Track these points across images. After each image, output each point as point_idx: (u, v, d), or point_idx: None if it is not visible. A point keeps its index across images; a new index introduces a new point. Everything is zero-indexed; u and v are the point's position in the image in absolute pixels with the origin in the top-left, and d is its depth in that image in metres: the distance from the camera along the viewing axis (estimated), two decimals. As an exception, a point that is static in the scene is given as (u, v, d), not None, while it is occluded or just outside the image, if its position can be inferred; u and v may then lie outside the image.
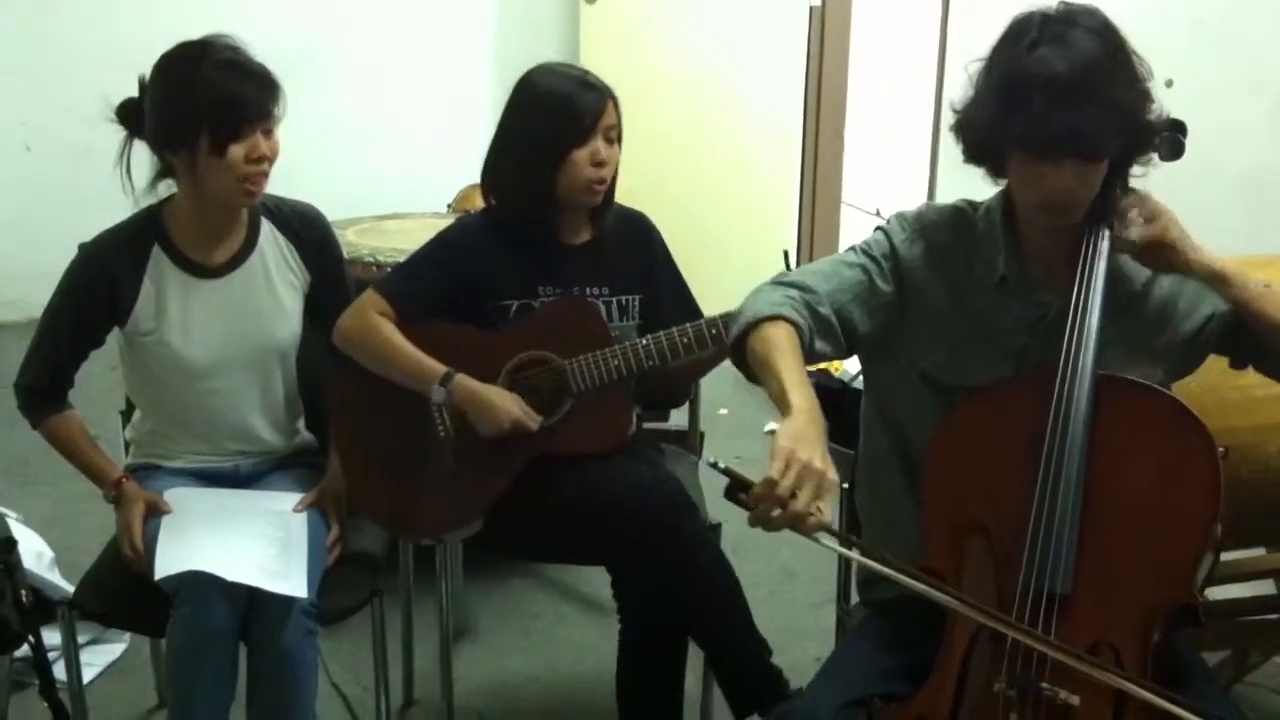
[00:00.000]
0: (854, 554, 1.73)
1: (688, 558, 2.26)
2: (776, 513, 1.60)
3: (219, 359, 2.36)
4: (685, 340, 2.35)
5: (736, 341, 1.88)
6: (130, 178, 2.32)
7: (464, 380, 2.35)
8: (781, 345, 1.80)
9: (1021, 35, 1.76)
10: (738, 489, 1.64)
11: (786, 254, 2.43)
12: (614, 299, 2.49)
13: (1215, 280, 1.83)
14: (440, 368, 2.36)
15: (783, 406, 1.72)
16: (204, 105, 2.18)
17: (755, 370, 1.85)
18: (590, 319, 2.43)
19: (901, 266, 1.94)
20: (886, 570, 1.68)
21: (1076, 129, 1.70)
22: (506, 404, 2.35)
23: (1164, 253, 1.82)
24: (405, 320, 2.40)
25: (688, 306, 2.55)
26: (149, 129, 2.26)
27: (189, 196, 2.31)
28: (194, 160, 2.22)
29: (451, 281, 2.44)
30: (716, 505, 2.75)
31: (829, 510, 1.63)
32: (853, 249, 1.99)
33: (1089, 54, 1.71)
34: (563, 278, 2.45)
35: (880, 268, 1.94)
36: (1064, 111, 1.69)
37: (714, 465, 1.66)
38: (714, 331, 2.35)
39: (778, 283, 1.92)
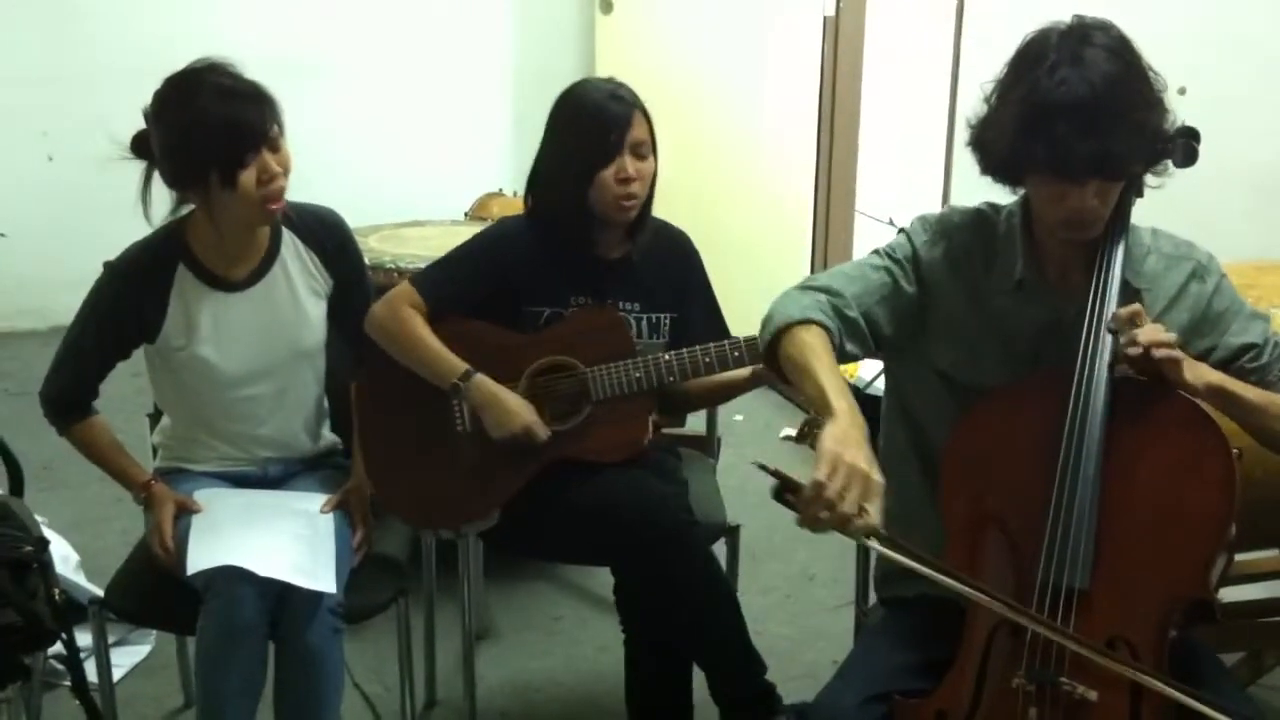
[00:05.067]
0: (901, 556, 1.71)
1: (684, 574, 2.29)
2: (825, 514, 1.62)
3: (251, 369, 2.40)
4: (707, 359, 2.38)
5: (768, 345, 1.90)
6: (146, 206, 2.33)
7: (482, 381, 2.38)
8: (816, 348, 1.83)
9: (1040, 57, 1.76)
10: (785, 490, 1.67)
11: None
12: (645, 316, 2.51)
13: (1222, 401, 1.81)
14: (461, 365, 2.39)
15: (824, 409, 1.74)
16: (206, 143, 2.19)
17: (789, 373, 1.87)
18: (615, 330, 2.45)
19: (923, 268, 1.97)
20: (938, 575, 1.68)
21: (1100, 153, 1.72)
22: (520, 409, 2.38)
23: (1168, 372, 1.78)
24: (435, 315, 2.44)
25: (718, 331, 2.56)
26: (161, 171, 2.28)
27: (209, 220, 2.32)
28: (208, 195, 2.24)
29: (486, 281, 2.47)
30: (739, 508, 2.79)
31: (876, 512, 1.65)
32: (876, 252, 2.01)
33: (1108, 76, 1.72)
34: (596, 290, 2.48)
35: (904, 270, 1.97)
36: (1086, 137, 1.70)
37: (763, 467, 1.69)
38: (736, 354, 2.37)
39: (805, 287, 1.95)
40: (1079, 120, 1.71)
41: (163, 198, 2.34)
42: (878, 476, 1.66)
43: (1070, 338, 1.85)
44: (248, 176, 2.21)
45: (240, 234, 2.36)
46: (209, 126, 2.18)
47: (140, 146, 2.31)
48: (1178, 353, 1.76)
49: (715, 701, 2.33)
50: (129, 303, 2.36)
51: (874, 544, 1.68)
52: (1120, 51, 1.77)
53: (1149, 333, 1.76)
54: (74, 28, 5.60)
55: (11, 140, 5.59)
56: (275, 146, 2.25)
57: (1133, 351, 1.75)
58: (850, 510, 1.62)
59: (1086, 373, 1.81)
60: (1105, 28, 1.79)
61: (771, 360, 1.91)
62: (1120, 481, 1.77)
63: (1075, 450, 1.77)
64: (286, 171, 2.27)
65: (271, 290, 2.41)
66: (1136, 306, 1.80)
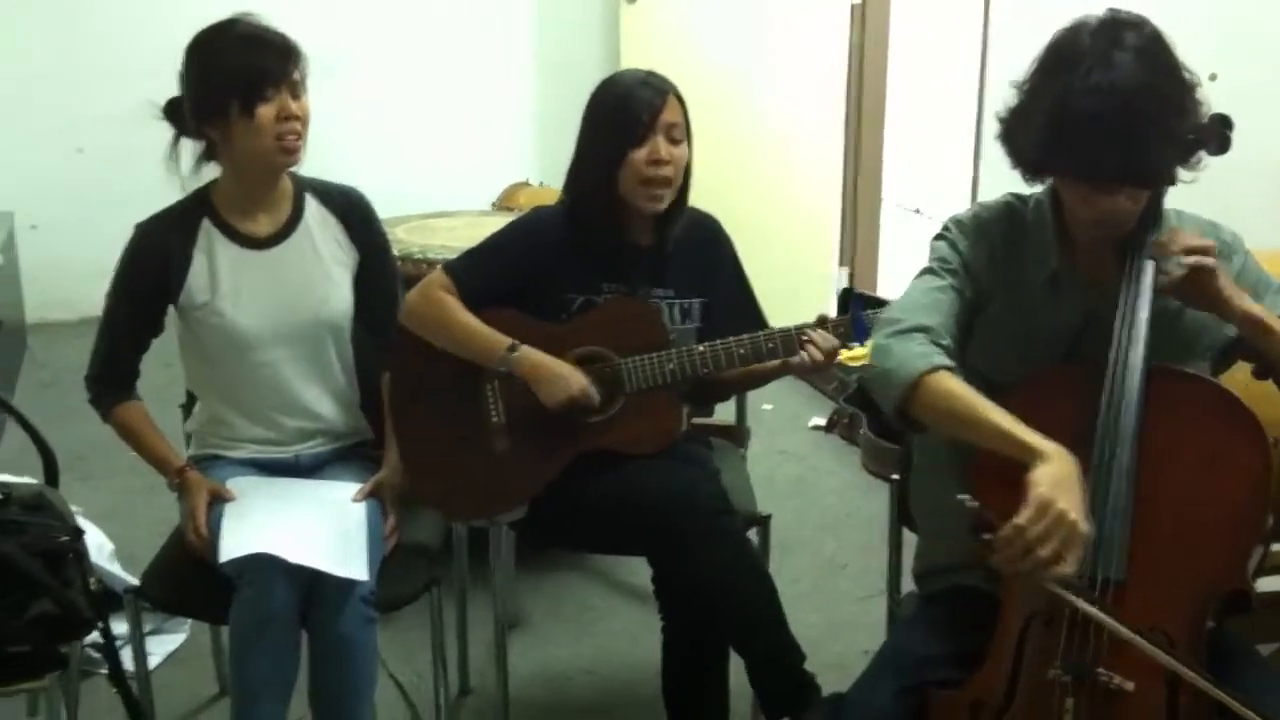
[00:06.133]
0: (1096, 610, 1.65)
1: (723, 562, 2.28)
2: (1022, 561, 1.61)
3: (270, 329, 2.42)
4: (742, 351, 2.37)
5: (900, 403, 1.83)
6: (180, 171, 2.42)
7: (528, 350, 2.38)
8: (968, 394, 1.78)
9: (1071, 57, 1.74)
10: (982, 528, 1.65)
11: (850, 291, 2.42)
12: (677, 302, 2.51)
13: (1255, 330, 1.81)
14: (505, 339, 2.39)
15: (1027, 453, 1.68)
16: (228, 74, 2.28)
17: (941, 426, 1.84)
18: (649, 321, 2.45)
19: (972, 273, 1.96)
20: (1134, 637, 1.63)
21: (1133, 162, 1.71)
22: (571, 374, 2.37)
23: (1205, 287, 1.79)
24: (468, 301, 2.44)
25: (752, 316, 2.56)
26: (186, 108, 2.35)
27: (231, 168, 2.40)
28: (229, 128, 2.31)
29: (519, 268, 2.47)
30: (767, 498, 2.80)
31: (1074, 562, 1.62)
32: (930, 272, 1.97)
33: (1140, 81, 1.69)
34: (628, 277, 2.47)
35: (962, 281, 1.95)
36: (1119, 145, 1.69)
37: (965, 500, 1.67)
38: (770, 345, 2.36)
39: (897, 332, 1.88)
40: (1111, 131, 1.69)
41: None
42: (1084, 527, 1.62)
43: (1105, 328, 1.84)
44: (266, 110, 2.29)
45: (259, 179, 2.41)
46: (234, 59, 2.29)
47: (173, 110, 2.39)
48: (1212, 260, 1.76)
49: (754, 690, 2.32)
50: (156, 258, 2.40)
51: (1068, 595, 1.64)
52: (1153, 52, 1.74)
53: (1184, 238, 1.77)
54: (99, 20, 5.64)
55: (40, 133, 5.63)
56: (296, 93, 2.34)
57: (1175, 271, 1.76)
58: (1047, 558, 1.60)
59: (1120, 362, 1.80)
60: (1138, 25, 1.76)
61: (903, 417, 1.85)
62: (1155, 472, 1.76)
63: (1110, 440, 1.76)
64: (305, 123, 2.35)
65: (296, 252, 2.45)
66: (1174, 228, 1.81)
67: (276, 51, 2.32)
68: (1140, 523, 1.74)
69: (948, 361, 1.83)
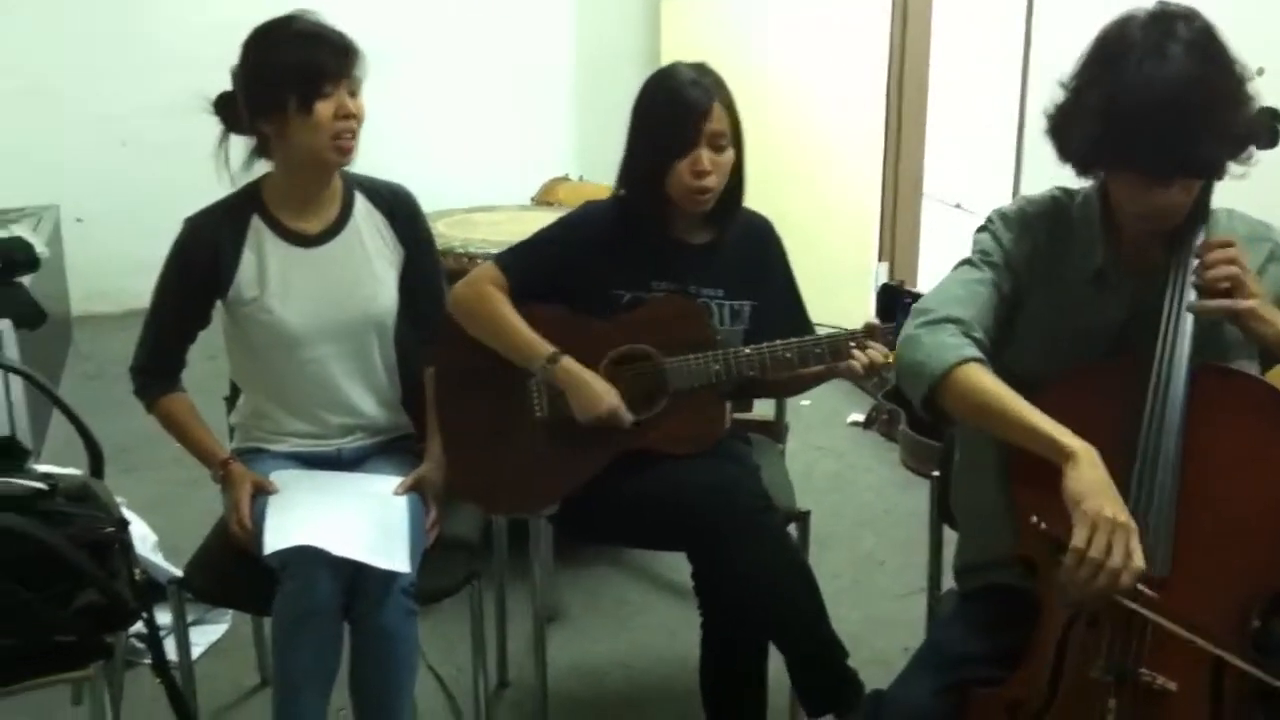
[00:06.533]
0: (1160, 617, 1.66)
1: (762, 557, 2.27)
2: (1098, 581, 1.61)
3: (317, 326, 2.43)
4: (789, 355, 2.36)
5: (927, 395, 1.83)
6: (228, 167, 2.42)
7: (568, 363, 2.39)
8: (997, 388, 1.77)
9: (1121, 51, 1.72)
10: (1059, 549, 1.64)
11: (889, 287, 2.40)
12: (727, 303, 2.49)
13: None
14: (547, 347, 2.39)
15: (1056, 451, 1.70)
16: (287, 68, 2.29)
17: (969, 418, 1.84)
18: (696, 320, 2.44)
19: (1014, 267, 1.94)
20: (1197, 639, 1.64)
21: (1183, 155, 1.69)
22: (606, 393, 2.38)
23: (1240, 318, 1.79)
24: (517, 295, 2.45)
25: (799, 321, 2.54)
26: (242, 104, 2.36)
27: (284, 165, 2.41)
28: (284, 123, 2.32)
29: (568, 263, 2.47)
30: (805, 494, 2.79)
31: (1139, 555, 1.62)
32: (969, 263, 1.96)
33: (1191, 74, 1.68)
34: (678, 275, 2.46)
35: (1001, 275, 1.93)
36: (1170, 138, 1.67)
37: (1035, 522, 1.69)
38: (818, 350, 2.35)
39: (929, 322, 1.88)
40: (1162, 121, 1.67)
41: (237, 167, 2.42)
42: (1131, 521, 1.64)
43: (1148, 329, 1.82)
44: (325, 107, 2.30)
45: (311, 177, 2.42)
46: (294, 54, 2.30)
47: (223, 105, 2.39)
48: (1235, 269, 1.77)
49: (795, 686, 2.32)
50: (205, 252, 2.42)
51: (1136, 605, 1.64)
52: (1205, 44, 1.72)
53: (1218, 253, 1.77)
54: (145, 14, 5.69)
55: (86, 127, 5.69)
56: (354, 91, 2.35)
57: (1206, 276, 1.77)
58: (1119, 564, 1.60)
59: (1166, 359, 1.78)
60: (1189, 17, 1.74)
61: (931, 409, 1.85)
62: (1199, 469, 1.75)
63: (1155, 436, 1.74)
64: (360, 121, 2.35)
65: (344, 250, 2.46)
66: (1228, 238, 1.80)
67: (336, 48, 2.33)
68: (1185, 520, 1.72)
69: (978, 354, 1.82)
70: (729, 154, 2.39)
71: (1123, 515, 1.62)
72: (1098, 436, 1.74)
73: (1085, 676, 1.70)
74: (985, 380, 1.79)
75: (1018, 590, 1.85)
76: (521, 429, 2.45)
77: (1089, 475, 1.66)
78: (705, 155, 2.35)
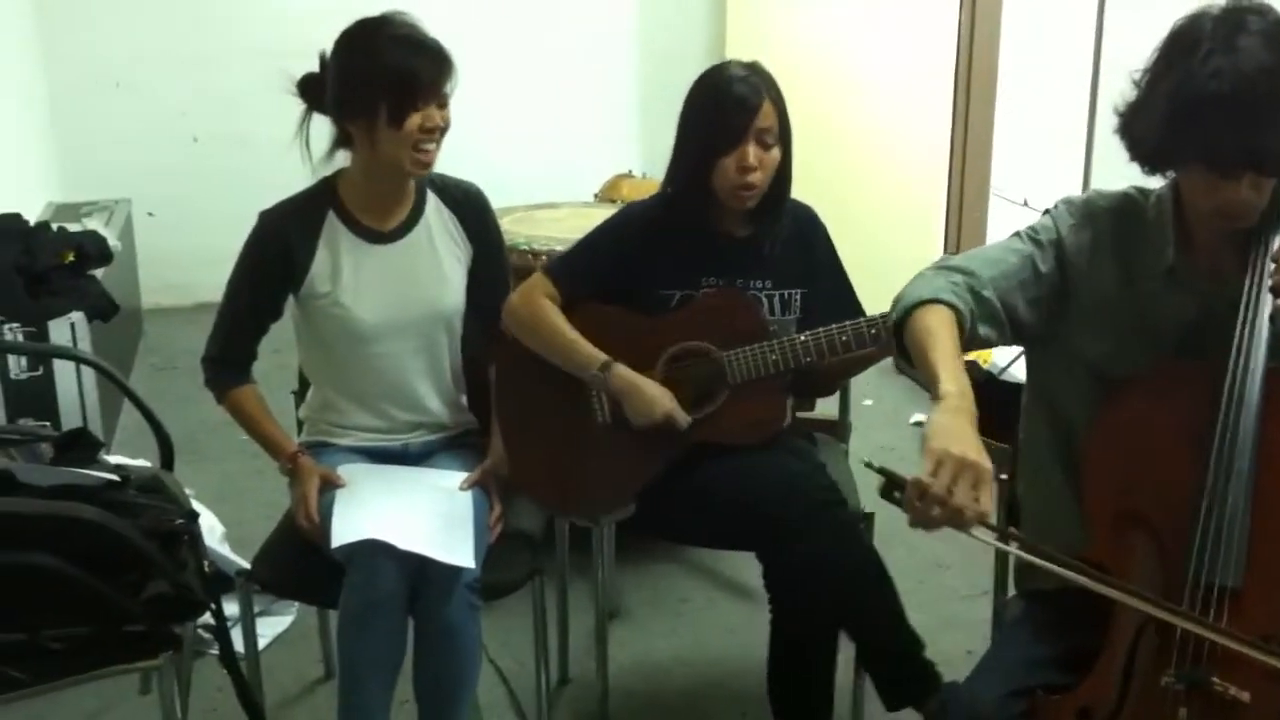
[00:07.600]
0: (1011, 547, 1.70)
1: (838, 551, 2.27)
2: (936, 511, 1.60)
3: (387, 322, 2.45)
4: (844, 338, 2.35)
5: (895, 326, 1.87)
6: (309, 150, 2.44)
7: (621, 370, 2.39)
8: (936, 330, 1.79)
9: (1192, 45, 1.70)
10: (893, 488, 1.64)
11: None
12: (777, 293, 2.49)
13: None
14: (600, 356, 2.40)
15: (933, 392, 1.72)
16: (383, 77, 2.28)
17: (912, 355, 1.85)
18: (749, 312, 2.44)
19: (1067, 254, 1.92)
20: (1046, 564, 1.66)
21: (1254, 148, 1.66)
22: (660, 397, 2.39)
23: None
24: (570, 302, 2.46)
25: (849, 304, 2.53)
26: (330, 99, 2.36)
27: (363, 164, 2.42)
28: (373, 129, 2.32)
29: (617, 266, 2.48)
30: (869, 496, 2.76)
31: (988, 500, 1.62)
32: (1018, 235, 1.97)
33: (1264, 66, 1.65)
34: (726, 270, 2.46)
35: (1045, 254, 1.92)
36: (1242, 130, 1.65)
37: (869, 465, 1.67)
38: (873, 331, 2.34)
39: (940, 267, 1.91)
40: (1233, 114, 1.65)
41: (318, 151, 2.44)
42: (986, 463, 1.62)
43: (1219, 330, 1.79)
44: (414, 120, 2.29)
45: (388, 181, 2.43)
46: (395, 62, 2.28)
47: (307, 87, 2.40)
48: None
49: (873, 679, 2.31)
50: (279, 246, 2.43)
51: (985, 537, 1.65)
52: (1277, 38, 1.69)
53: None
54: (215, 7, 5.75)
55: (157, 121, 5.77)
56: (444, 103, 2.35)
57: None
58: (964, 502, 1.59)
59: (1241, 364, 1.75)
60: (1262, 11, 1.71)
61: (899, 343, 1.88)
62: (1273, 476, 1.71)
63: (1229, 444, 1.71)
64: (445, 132, 2.35)
65: (415, 247, 2.48)
66: None
67: (433, 59, 2.32)
68: (1258, 528, 1.69)
69: (955, 301, 1.82)
70: (776, 152, 2.38)
71: (972, 455, 1.60)
72: (1173, 437, 1.72)
73: (1155, 684, 1.67)
74: (935, 324, 1.79)
75: (1085, 592, 1.82)
76: (587, 432, 2.46)
77: (945, 420, 1.65)
78: (752, 151, 2.34)
